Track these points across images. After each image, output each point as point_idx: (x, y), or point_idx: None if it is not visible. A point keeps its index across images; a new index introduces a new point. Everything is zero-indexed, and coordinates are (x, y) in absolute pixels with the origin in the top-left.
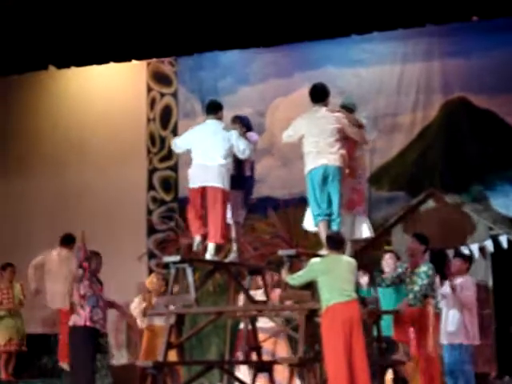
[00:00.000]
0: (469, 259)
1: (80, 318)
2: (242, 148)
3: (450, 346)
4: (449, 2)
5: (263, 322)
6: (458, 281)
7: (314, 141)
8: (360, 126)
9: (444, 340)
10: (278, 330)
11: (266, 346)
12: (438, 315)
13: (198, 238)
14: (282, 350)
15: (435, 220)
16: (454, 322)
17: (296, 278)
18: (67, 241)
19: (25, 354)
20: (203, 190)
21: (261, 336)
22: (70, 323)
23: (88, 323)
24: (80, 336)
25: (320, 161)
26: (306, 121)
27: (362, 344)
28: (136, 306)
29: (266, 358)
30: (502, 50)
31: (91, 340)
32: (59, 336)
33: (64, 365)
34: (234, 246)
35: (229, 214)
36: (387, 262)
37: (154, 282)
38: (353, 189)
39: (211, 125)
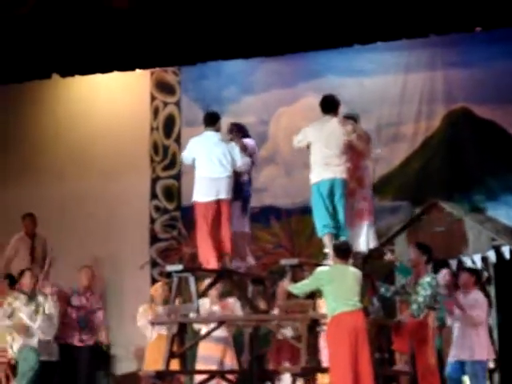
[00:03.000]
0: (476, 272)
1: None
2: (238, 164)
3: (466, 361)
4: (452, 12)
5: (219, 332)
6: (469, 298)
7: (321, 151)
8: (368, 139)
9: (454, 356)
10: (226, 337)
11: (215, 354)
12: (439, 328)
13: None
14: (232, 359)
15: (438, 230)
16: (466, 338)
17: (300, 287)
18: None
19: None
20: (217, 203)
21: (213, 346)
22: None
23: None
24: None
25: (327, 174)
26: (315, 129)
27: (368, 354)
28: (140, 317)
29: (213, 367)
30: (505, 61)
31: None
32: None
33: None
34: (249, 254)
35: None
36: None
37: (159, 291)
38: (363, 198)
39: (212, 136)
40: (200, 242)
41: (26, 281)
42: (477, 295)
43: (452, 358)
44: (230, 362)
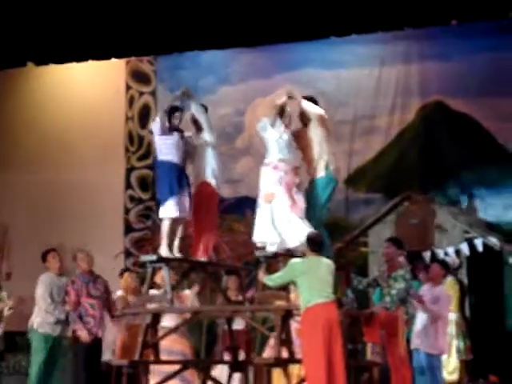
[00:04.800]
0: (446, 266)
1: None
2: None
3: (422, 352)
4: (428, 5)
5: (167, 321)
6: (434, 292)
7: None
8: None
9: (415, 345)
10: (178, 327)
11: (180, 347)
12: (407, 321)
13: None
14: (191, 350)
15: (412, 222)
16: (425, 332)
17: (274, 279)
18: None
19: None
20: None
21: (176, 338)
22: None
23: None
24: None
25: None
26: None
27: (341, 345)
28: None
29: (164, 356)
30: (481, 54)
31: None
32: None
33: None
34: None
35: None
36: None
37: (129, 281)
38: None
39: None
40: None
41: None
42: (441, 291)
43: (412, 346)
44: (190, 352)
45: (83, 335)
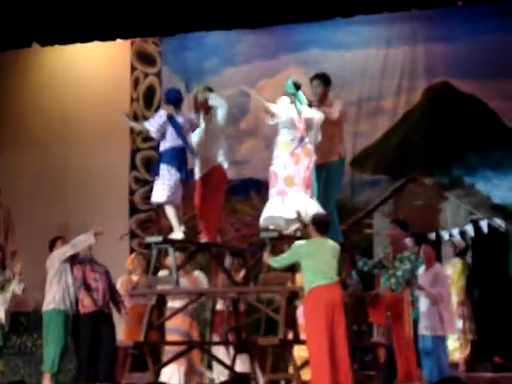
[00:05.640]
0: (438, 246)
1: None
2: None
3: (428, 336)
4: None
5: (176, 303)
6: (430, 274)
7: None
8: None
9: (422, 330)
10: (191, 310)
11: (183, 327)
12: (412, 303)
13: None
14: (197, 332)
15: (417, 204)
16: (428, 315)
17: (279, 260)
18: None
19: None
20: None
21: (181, 317)
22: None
23: None
24: None
25: None
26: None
27: (344, 326)
28: (120, 289)
29: (179, 338)
30: (486, 35)
31: None
32: None
33: None
34: None
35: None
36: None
37: (134, 263)
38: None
39: None
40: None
41: None
42: (438, 270)
43: (419, 331)
44: (196, 334)
45: (87, 302)
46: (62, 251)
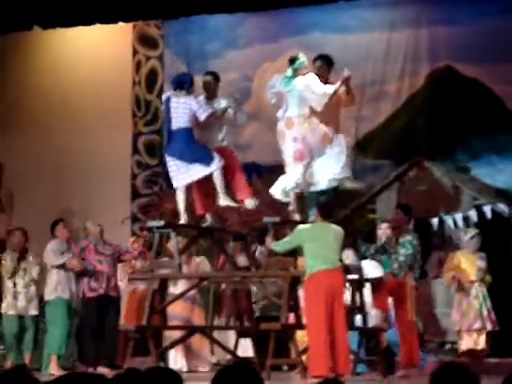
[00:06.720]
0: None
1: None
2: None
3: None
4: None
5: (177, 289)
6: None
7: None
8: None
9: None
10: (193, 295)
11: (183, 312)
12: (416, 288)
13: None
14: (199, 318)
15: (420, 189)
16: None
17: (281, 245)
18: None
19: None
20: None
21: (180, 303)
22: None
23: None
24: None
25: None
26: None
27: (343, 311)
28: (119, 273)
29: (179, 323)
30: (490, 19)
31: None
32: None
33: None
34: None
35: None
36: (385, 232)
37: (134, 246)
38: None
39: None
40: None
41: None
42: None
43: None
44: (198, 319)
45: (91, 286)
46: (52, 260)
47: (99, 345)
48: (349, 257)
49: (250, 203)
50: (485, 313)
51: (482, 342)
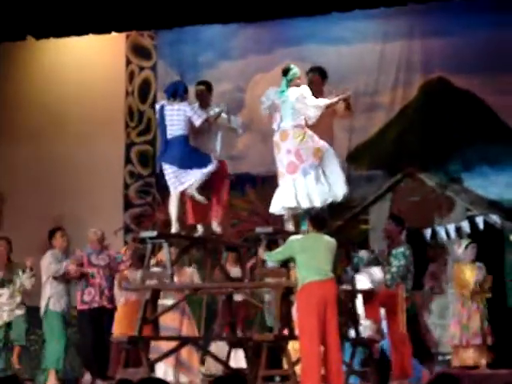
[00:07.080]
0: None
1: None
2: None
3: None
4: None
5: (166, 300)
6: None
7: None
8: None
9: None
10: (182, 306)
11: (172, 324)
12: (408, 299)
13: None
14: (187, 328)
15: (413, 200)
16: None
17: (274, 255)
18: None
19: None
20: None
21: (170, 315)
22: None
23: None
24: None
25: None
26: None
27: (336, 323)
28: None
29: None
30: (483, 30)
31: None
32: None
33: None
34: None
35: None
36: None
37: (126, 253)
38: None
39: None
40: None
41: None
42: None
43: None
44: (187, 330)
45: (83, 299)
46: (52, 270)
47: (96, 357)
48: (376, 273)
49: (215, 226)
50: (485, 327)
51: (479, 358)
